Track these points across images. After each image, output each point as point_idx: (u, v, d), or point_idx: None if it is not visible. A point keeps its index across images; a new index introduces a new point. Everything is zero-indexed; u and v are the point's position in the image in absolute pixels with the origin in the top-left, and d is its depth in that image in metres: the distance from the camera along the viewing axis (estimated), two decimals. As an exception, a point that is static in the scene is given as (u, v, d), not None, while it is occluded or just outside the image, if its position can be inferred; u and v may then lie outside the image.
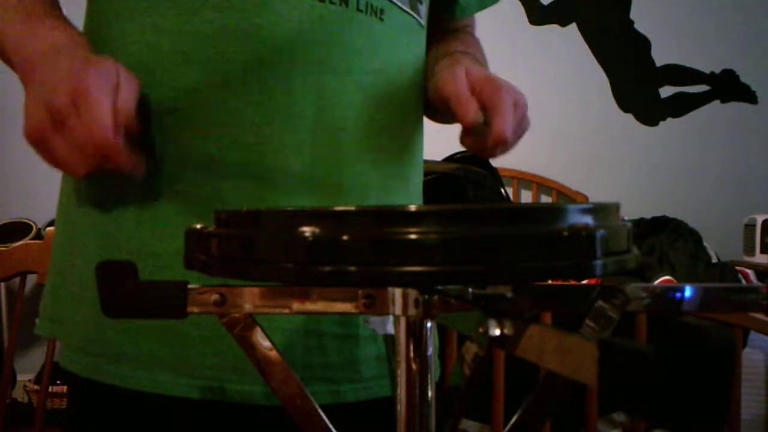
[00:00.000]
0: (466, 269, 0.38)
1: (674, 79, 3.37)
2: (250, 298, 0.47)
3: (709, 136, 3.36)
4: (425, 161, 0.89)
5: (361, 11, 0.74)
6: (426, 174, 0.90)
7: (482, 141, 0.70)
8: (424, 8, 0.83)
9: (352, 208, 0.41)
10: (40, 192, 2.17)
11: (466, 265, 0.38)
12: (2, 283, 2.49)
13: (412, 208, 0.40)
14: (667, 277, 2.08)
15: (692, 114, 3.38)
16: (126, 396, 0.70)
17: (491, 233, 0.38)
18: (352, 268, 0.39)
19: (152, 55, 0.71)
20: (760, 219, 2.76)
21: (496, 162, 2.36)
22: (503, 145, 0.70)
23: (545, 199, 3.24)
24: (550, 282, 0.48)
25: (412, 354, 0.46)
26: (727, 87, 3.39)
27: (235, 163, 0.70)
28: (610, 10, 3.34)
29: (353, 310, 0.46)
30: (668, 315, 1.57)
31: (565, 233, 0.39)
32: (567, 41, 3.27)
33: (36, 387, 2.50)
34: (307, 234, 0.39)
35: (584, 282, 0.89)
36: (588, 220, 0.41)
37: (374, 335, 0.75)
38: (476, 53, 0.88)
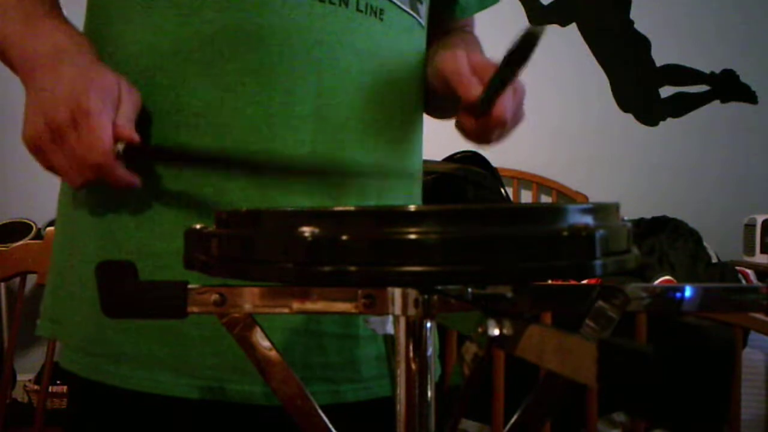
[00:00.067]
0: (466, 269, 0.38)
1: (674, 79, 3.37)
2: (250, 298, 0.47)
3: (709, 136, 3.36)
4: (425, 161, 0.89)
5: (361, 11, 0.74)
6: (426, 174, 0.90)
7: (481, 122, 0.70)
8: (424, 8, 0.83)
9: (352, 208, 0.41)
10: (40, 192, 2.16)
11: (466, 265, 0.38)
12: (2, 283, 2.49)
13: (412, 208, 0.40)
14: (667, 277, 2.07)
15: (692, 114, 3.38)
16: (126, 396, 0.70)
17: (491, 233, 0.38)
18: (352, 268, 0.39)
19: (152, 55, 0.71)
20: (760, 219, 2.76)
21: (496, 162, 2.37)
22: (502, 127, 0.70)
23: (545, 199, 3.24)
24: (550, 282, 0.48)
25: (411, 354, 0.46)
26: (727, 87, 3.38)
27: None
28: (610, 10, 3.34)
29: (353, 310, 0.46)
30: (668, 315, 1.57)
31: (565, 233, 0.39)
32: (567, 41, 3.27)
33: (36, 387, 2.50)
34: (307, 234, 0.39)
35: (584, 282, 0.89)
36: (588, 220, 0.41)
37: (374, 335, 0.75)
38: (475, 49, 0.88)
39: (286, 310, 0.47)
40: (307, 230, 0.40)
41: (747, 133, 3.38)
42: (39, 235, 2.59)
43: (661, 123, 3.36)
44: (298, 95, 0.71)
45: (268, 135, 0.70)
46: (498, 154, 2.54)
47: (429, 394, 0.46)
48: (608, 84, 3.32)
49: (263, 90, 0.70)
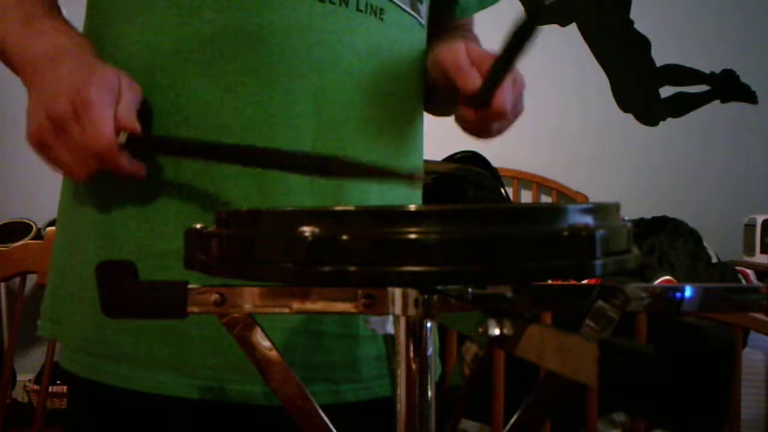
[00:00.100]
0: (466, 269, 0.38)
1: (674, 79, 3.37)
2: (250, 298, 0.47)
3: (709, 136, 3.36)
4: (425, 161, 0.89)
5: (361, 11, 0.74)
6: (426, 174, 0.90)
7: (481, 114, 0.70)
8: (424, 8, 0.83)
9: (352, 208, 0.41)
10: (40, 192, 2.17)
11: (466, 265, 0.38)
12: (2, 283, 2.49)
13: (412, 208, 0.40)
14: (667, 277, 2.07)
15: (692, 114, 3.38)
16: (126, 396, 0.70)
17: (491, 233, 0.38)
18: (352, 268, 0.39)
19: (152, 55, 0.71)
20: (760, 219, 2.76)
21: (496, 162, 2.37)
22: (502, 119, 0.70)
23: (545, 199, 3.24)
24: (550, 282, 0.48)
25: (412, 354, 0.46)
26: (727, 87, 3.38)
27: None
28: (610, 10, 3.34)
29: (353, 310, 0.46)
30: (668, 315, 1.57)
31: (565, 233, 0.39)
32: (567, 41, 3.27)
33: (36, 387, 2.50)
34: (307, 234, 0.39)
35: (584, 282, 0.89)
36: (588, 220, 0.41)
37: (374, 335, 0.75)
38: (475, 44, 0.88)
39: (286, 310, 0.47)
40: (307, 230, 0.40)
41: (747, 133, 3.38)
42: (39, 235, 2.60)
43: (661, 123, 3.36)
44: (299, 95, 0.71)
45: (268, 135, 0.70)
46: (498, 154, 2.55)
47: (429, 394, 0.46)
48: (608, 84, 3.32)
49: (263, 90, 0.70)
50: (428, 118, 0.88)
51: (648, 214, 2.47)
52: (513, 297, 0.48)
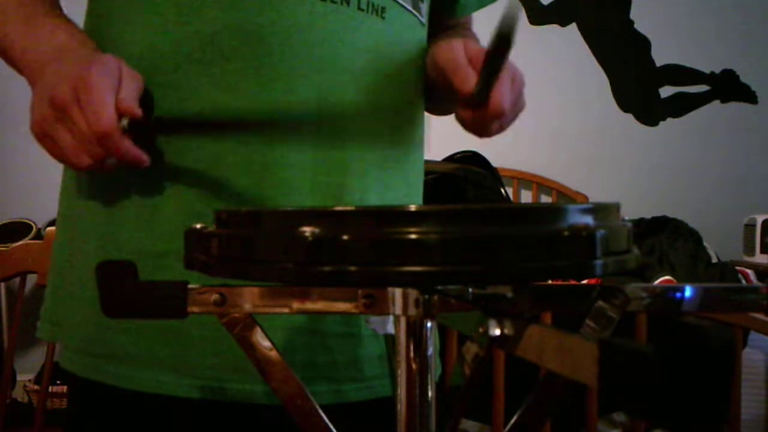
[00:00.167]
0: (466, 269, 0.38)
1: (674, 79, 3.37)
2: (250, 298, 0.47)
3: (709, 136, 3.36)
4: (425, 161, 0.89)
5: (363, 10, 0.74)
6: (426, 174, 0.90)
7: (479, 114, 0.70)
8: (425, 7, 0.83)
9: (352, 208, 0.41)
10: (40, 192, 2.17)
11: (466, 265, 0.38)
12: (2, 283, 2.49)
13: (412, 208, 0.40)
14: (667, 277, 2.07)
15: (692, 114, 3.38)
16: (126, 396, 0.70)
17: (491, 233, 0.38)
18: (352, 268, 0.39)
19: (152, 55, 0.71)
20: (760, 219, 2.76)
21: (496, 162, 2.37)
22: (500, 118, 0.70)
23: (545, 199, 3.24)
24: (550, 282, 0.48)
25: (412, 354, 0.46)
26: (727, 87, 3.38)
27: (235, 163, 0.70)
28: (610, 10, 3.34)
29: (353, 310, 0.46)
30: (668, 315, 1.57)
31: (565, 233, 0.39)
32: (567, 41, 3.27)
33: (36, 387, 2.50)
34: (307, 234, 0.39)
35: (584, 282, 0.89)
36: (588, 220, 0.41)
37: (377, 334, 0.75)
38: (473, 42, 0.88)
39: (286, 310, 0.47)
40: (307, 230, 0.40)
41: (747, 133, 3.38)
42: (39, 235, 2.60)
43: (661, 123, 3.36)
44: (300, 94, 0.71)
45: (269, 134, 0.70)
46: (498, 154, 2.55)
47: (429, 394, 0.46)
48: (608, 84, 3.32)
49: (264, 90, 0.70)
50: (428, 118, 0.88)
51: (648, 214, 2.47)
52: (513, 297, 0.48)
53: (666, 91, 3.37)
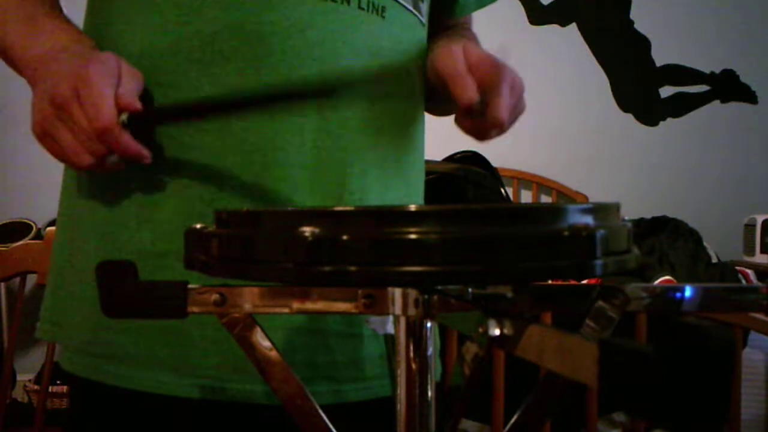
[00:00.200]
0: (466, 269, 0.38)
1: (674, 79, 3.37)
2: (250, 298, 0.47)
3: (709, 136, 3.36)
4: (425, 161, 0.89)
5: (363, 9, 0.74)
6: (426, 174, 0.90)
7: (478, 122, 0.70)
8: (425, 6, 0.83)
9: (352, 208, 0.41)
10: (40, 192, 2.17)
11: (466, 265, 0.38)
12: (2, 283, 2.49)
13: (412, 208, 0.40)
14: (667, 277, 2.07)
15: (692, 114, 3.38)
16: (126, 396, 0.70)
17: (491, 233, 0.38)
18: (352, 268, 0.39)
19: (152, 54, 0.71)
20: (760, 219, 2.76)
21: (496, 162, 2.37)
22: (499, 128, 0.70)
23: (545, 199, 3.24)
24: (550, 282, 0.48)
25: (412, 354, 0.46)
26: (727, 87, 3.38)
27: (236, 163, 0.70)
28: (610, 10, 3.34)
29: (353, 310, 0.46)
30: (668, 315, 1.57)
31: (565, 233, 0.39)
32: (567, 41, 3.27)
33: (36, 387, 2.50)
34: (307, 234, 0.39)
35: (584, 282, 0.89)
36: (588, 220, 0.41)
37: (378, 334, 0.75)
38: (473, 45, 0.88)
39: (286, 310, 0.47)
40: (307, 230, 0.40)
41: (747, 133, 3.38)
42: (39, 235, 2.60)
43: (661, 123, 3.36)
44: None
45: (269, 134, 0.70)
46: (498, 154, 2.55)
47: (429, 394, 0.46)
48: (608, 84, 3.32)
49: (264, 89, 0.70)
50: (428, 118, 0.88)
51: (648, 214, 2.47)
52: (513, 297, 0.48)
53: (666, 91, 3.37)
